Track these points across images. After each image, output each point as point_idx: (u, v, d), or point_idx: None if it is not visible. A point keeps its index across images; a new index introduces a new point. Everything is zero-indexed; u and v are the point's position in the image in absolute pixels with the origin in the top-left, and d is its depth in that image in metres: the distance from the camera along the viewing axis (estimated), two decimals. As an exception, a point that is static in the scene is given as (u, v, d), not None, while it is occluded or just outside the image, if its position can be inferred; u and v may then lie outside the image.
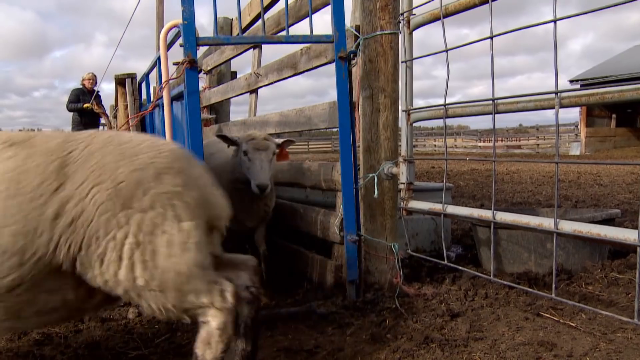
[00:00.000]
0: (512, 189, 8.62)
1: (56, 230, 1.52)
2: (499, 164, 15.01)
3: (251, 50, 5.09)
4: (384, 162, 2.82)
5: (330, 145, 35.37)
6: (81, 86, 9.84)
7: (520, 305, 2.60)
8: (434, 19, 2.55)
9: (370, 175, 2.82)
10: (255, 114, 4.96)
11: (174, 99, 3.15)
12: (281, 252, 3.79)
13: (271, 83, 4.13)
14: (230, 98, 5.32)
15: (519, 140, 28.13)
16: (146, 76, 4.86)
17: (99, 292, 1.62)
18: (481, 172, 12.67)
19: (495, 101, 2.22)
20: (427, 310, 2.57)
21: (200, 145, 2.61)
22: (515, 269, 3.21)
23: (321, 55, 3.10)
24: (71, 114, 9.87)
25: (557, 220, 2.00)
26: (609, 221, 3.29)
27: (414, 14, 2.67)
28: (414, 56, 2.72)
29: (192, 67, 2.51)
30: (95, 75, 9.96)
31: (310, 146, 37.00)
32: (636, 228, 1.70)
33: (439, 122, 2.66)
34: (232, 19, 5.66)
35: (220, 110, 6.08)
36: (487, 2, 2.18)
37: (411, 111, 2.73)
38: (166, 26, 2.87)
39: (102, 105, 9.94)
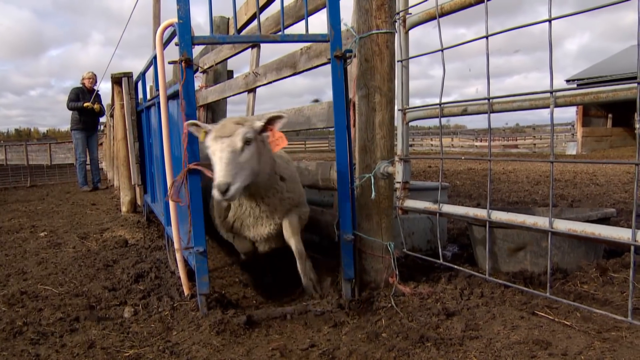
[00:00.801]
0: (508, 188, 8.64)
1: None
2: (496, 164, 15.05)
3: (249, 49, 5.09)
4: (380, 161, 2.82)
5: (327, 145, 35.41)
6: (81, 85, 9.84)
7: (516, 304, 2.61)
8: (430, 18, 2.56)
9: (367, 175, 2.82)
10: (253, 114, 4.96)
11: (169, 97, 3.15)
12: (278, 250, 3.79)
13: (270, 82, 4.13)
14: (227, 97, 5.32)
15: (516, 140, 28.18)
16: (143, 75, 4.85)
17: None
18: (478, 172, 12.70)
19: (491, 100, 2.23)
20: (423, 309, 2.57)
21: (196, 144, 2.60)
22: (511, 268, 3.22)
23: (321, 55, 3.10)
24: (70, 112, 9.88)
25: (552, 219, 2.01)
26: (604, 220, 3.30)
27: (410, 14, 2.68)
28: (410, 55, 2.72)
29: (187, 66, 2.50)
30: (95, 75, 9.98)
31: (307, 145, 37.00)
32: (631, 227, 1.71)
33: (436, 122, 2.67)
34: (229, 18, 5.66)
35: (217, 110, 6.08)
36: (483, 1, 2.18)
37: (407, 110, 2.74)
38: (162, 25, 2.87)
39: (102, 105, 9.95)
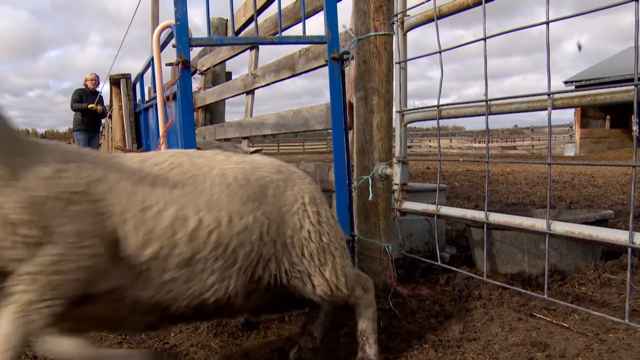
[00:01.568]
0: (506, 189, 8.65)
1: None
2: (494, 165, 15.06)
3: (248, 51, 5.10)
4: (377, 163, 2.82)
5: (325, 146, 35.39)
6: (83, 86, 9.87)
7: (514, 306, 2.61)
8: (428, 20, 2.56)
9: (365, 176, 2.82)
10: (251, 115, 4.96)
11: (167, 99, 3.14)
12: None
13: (268, 84, 4.14)
14: (226, 99, 5.32)
15: (514, 141, 28.23)
16: (141, 77, 4.85)
17: None
18: (476, 173, 12.70)
19: (489, 102, 2.23)
20: (421, 310, 2.57)
21: (193, 146, 2.60)
22: (509, 269, 3.22)
23: (320, 57, 3.10)
24: (72, 113, 9.93)
25: (550, 221, 2.01)
26: (602, 222, 3.30)
27: (408, 15, 2.68)
28: (408, 57, 2.72)
29: (185, 67, 2.50)
30: (97, 76, 10.02)
31: (305, 147, 37.01)
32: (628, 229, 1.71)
33: (435, 123, 2.67)
34: (227, 20, 5.66)
35: (215, 111, 6.08)
36: (481, 3, 2.18)
37: (405, 112, 2.74)
38: (159, 27, 2.87)
39: (105, 107, 9.99)
